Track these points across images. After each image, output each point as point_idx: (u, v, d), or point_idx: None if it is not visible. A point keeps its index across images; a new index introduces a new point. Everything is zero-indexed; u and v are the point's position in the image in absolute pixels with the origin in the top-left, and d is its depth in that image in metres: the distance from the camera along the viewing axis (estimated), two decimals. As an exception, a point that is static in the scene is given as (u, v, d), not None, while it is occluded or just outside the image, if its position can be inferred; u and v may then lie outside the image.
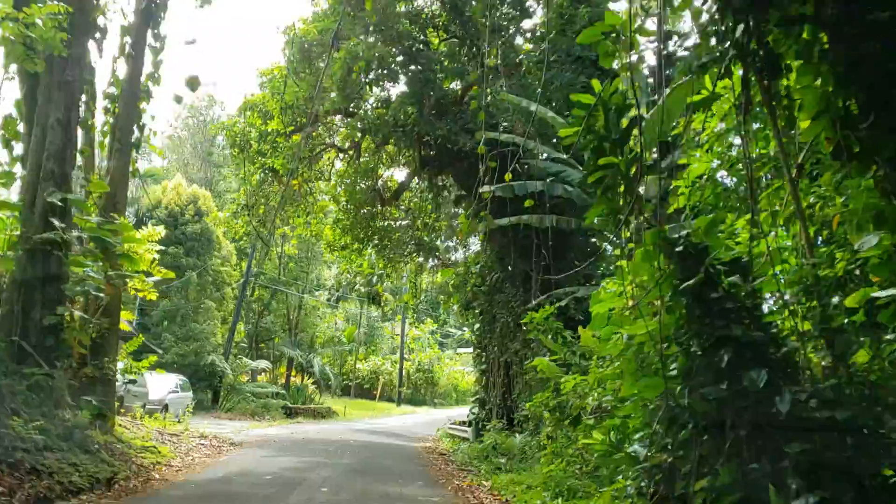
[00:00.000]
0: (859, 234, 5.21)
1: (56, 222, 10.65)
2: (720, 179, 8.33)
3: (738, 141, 8.13)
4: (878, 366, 5.12)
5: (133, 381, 18.37)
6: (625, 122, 6.63)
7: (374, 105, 21.50)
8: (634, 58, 7.49)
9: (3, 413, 8.95)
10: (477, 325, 22.81)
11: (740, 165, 8.09)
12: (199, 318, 34.45)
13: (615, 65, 6.84)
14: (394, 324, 58.57)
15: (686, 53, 15.93)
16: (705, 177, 8.04)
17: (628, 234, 7.66)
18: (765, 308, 5.98)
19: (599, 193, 6.17)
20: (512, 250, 19.26)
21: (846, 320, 5.27)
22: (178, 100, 25.19)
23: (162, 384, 23.64)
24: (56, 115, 11.00)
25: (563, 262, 17.92)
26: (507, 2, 20.63)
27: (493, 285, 20.34)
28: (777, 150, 6.59)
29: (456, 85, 21.37)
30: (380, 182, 25.09)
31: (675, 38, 16.90)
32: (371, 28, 17.82)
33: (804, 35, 5.13)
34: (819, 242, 6.66)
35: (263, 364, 39.06)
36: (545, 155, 17.18)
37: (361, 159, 23.93)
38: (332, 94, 17.35)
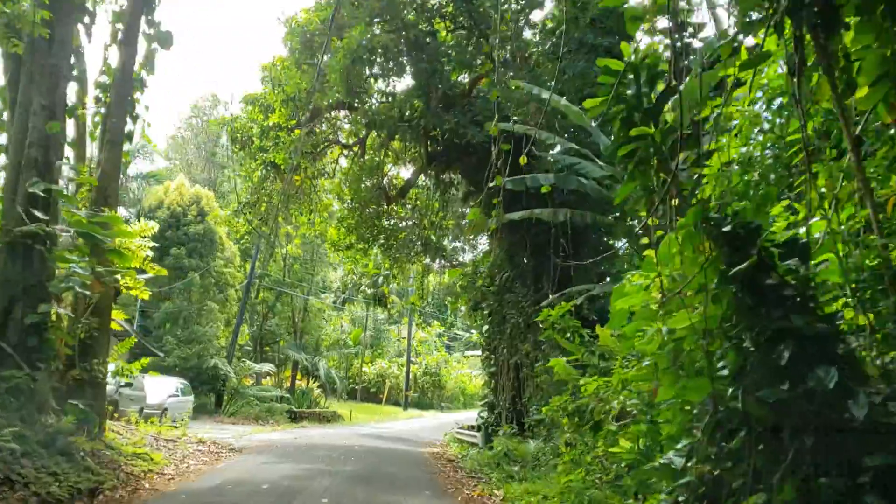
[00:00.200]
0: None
1: (39, 214, 9.97)
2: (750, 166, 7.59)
3: (763, 124, 7.42)
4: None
5: (128, 385, 17.71)
6: (656, 90, 5.92)
7: (379, 99, 20.82)
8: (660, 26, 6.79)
9: (-26, 418, 8.28)
10: (486, 327, 22.09)
11: (767, 150, 7.37)
12: (201, 321, 33.78)
13: (640, 32, 6.11)
14: (400, 327, 57.92)
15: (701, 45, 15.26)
16: (734, 164, 7.31)
17: (655, 220, 6.95)
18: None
19: (630, 168, 5.44)
20: (523, 248, 18.55)
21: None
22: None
23: (161, 388, 22.95)
24: (40, 101, 10.34)
25: (577, 260, 17.21)
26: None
27: (502, 285, 19.61)
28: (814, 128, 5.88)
29: (464, 78, 20.67)
30: (385, 180, 24.39)
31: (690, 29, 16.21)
32: (375, 17, 17.12)
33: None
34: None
35: (267, 367, 38.36)
36: (558, 147, 16.48)
37: (366, 156, 23.25)
38: (335, 87, 16.62)
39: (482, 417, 21.90)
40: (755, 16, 5.18)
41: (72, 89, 13.05)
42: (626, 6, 5.89)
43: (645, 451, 6.75)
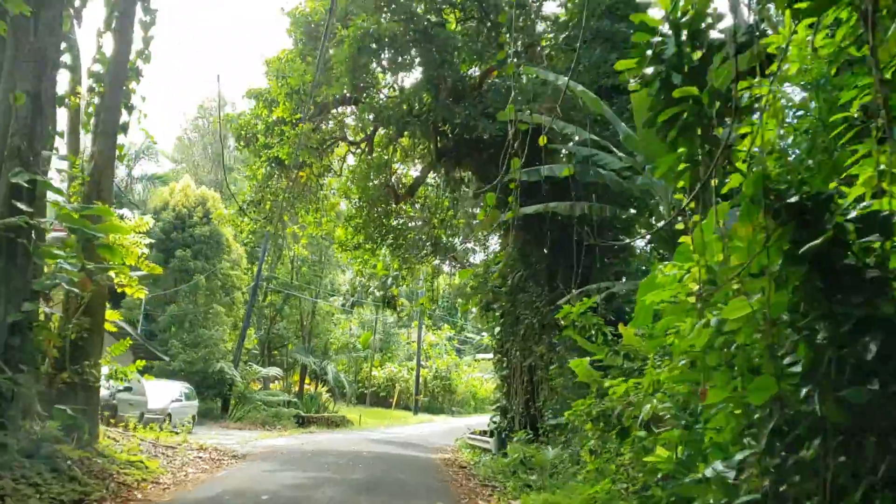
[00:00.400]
0: None
1: (22, 206, 9.31)
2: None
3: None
4: None
5: (127, 389, 17.07)
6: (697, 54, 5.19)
7: (386, 94, 20.16)
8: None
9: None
10: (497, 329, 21.37)
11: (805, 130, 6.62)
12: (207, 324, 33.15)
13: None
14: (410, 330, 57.22)
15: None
16: (770, 148, 6.57)
17: (687, 203, 6.23)
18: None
19: (672, 136, 4.71)
20: (537, 246, 17.84)
21: None
22: None
23: (164, 392, 22.32)
24: (24, 86, 9.67)
25: (593, 259, 16.50)
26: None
27: (515, 284, 18.88)
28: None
29: (474, 71, 19.99)
30: (393, 178, 23.71)
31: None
32: (382, 5, 16.43)
33: None
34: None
35: (274, 371, 37.69)
36: (575, 139, 15.77)
37: (374, 153, 22.58)
38: (341, 78, 15.93)
39: (494, 422, 21.17)
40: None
41: (64, 78, 12.47)
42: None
43: (684, 461, 6.00)
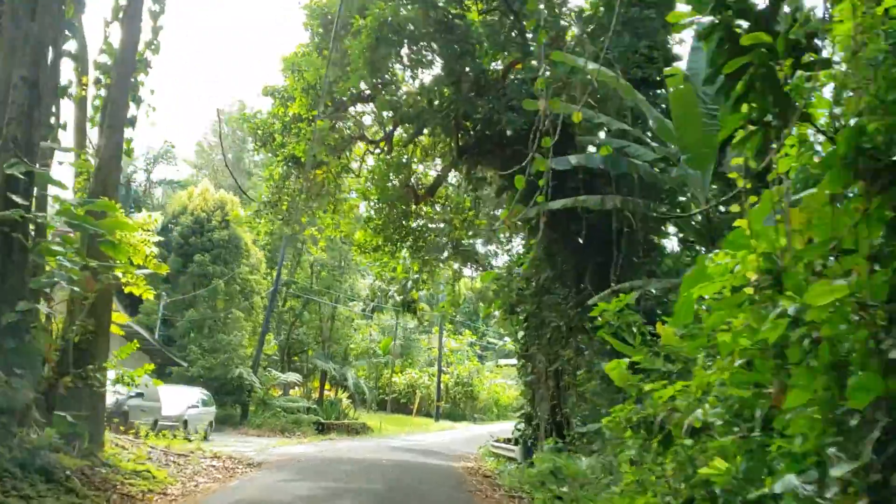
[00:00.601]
0: None
1: (18, 199, 8.74)
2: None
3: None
4: None
5: (139, 395, 16.51)
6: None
7: (405, 90, 19.51)
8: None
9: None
10: (521, 333, 20.64)
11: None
12: (226, 329, 32.71)
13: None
14: (430, 336, 56.53)
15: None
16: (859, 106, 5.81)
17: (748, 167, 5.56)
18: None
19: (740, 91, 3.98)
20: (563, 245, 17.08)
21: None
22: None
23: (180, 398, 21.79)
24: (20, 72, 9.12)
25: (623, 258, 15.72)
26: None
27: (540, 286, 18.12)
28: None
29: (497, 65, 19.28)
30: (413, 178, 23.03)
31: None
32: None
33: None
34: None
35: (293, 377, 37.19)
36: (603, 134, 15.07)
37: (393, 153, 21.93)
38: (359, 70, 15.28)
39: (519, 430, 20.43)
40: None
41: (69, 69, 11.96)
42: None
43: (745, 474, 5.24)
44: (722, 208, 14.35)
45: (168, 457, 13.60)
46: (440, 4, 16.98)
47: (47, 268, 10.02)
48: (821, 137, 4.57)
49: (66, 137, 12.24)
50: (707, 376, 6.36)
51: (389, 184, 22.03)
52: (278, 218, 21.23)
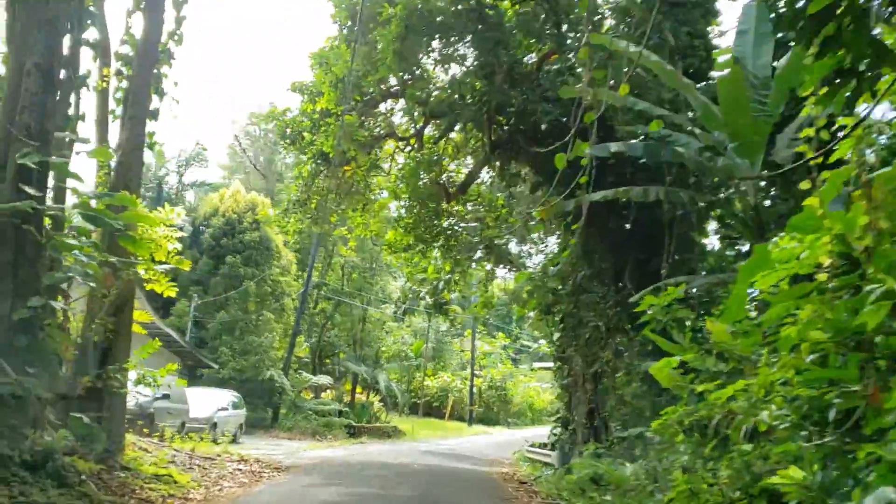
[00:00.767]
0: None
1: (31, 190, 8.35)
2: None
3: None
4: None
5: (165, 396, 16.16)
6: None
7: (436, 85, 18.98)
8: None
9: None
10: (557, 335, 19.97)
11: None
12: (257, 331, 32.48)
13: None
14: (463, 339, 55.90)
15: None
16: None
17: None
18: None
19: (829, 32, 3.36)
20: (602, 241, 16.41)
21: None
22: None
23: (209, 401, 21.48)
24: (34, 59, 8.75)
25: (664, 255, 15.01)
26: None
27: (577, 285, 17.43)
28: None
29: (531, 58, 18.66)
30: (444, 175, 22.49)
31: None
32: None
33: None
34: None
35: (324, 379, 36.82)
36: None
37: (424, 150, 21.41)
38: (388, 60, 14.76)
39: (555, 434, 19.74)
40: None
41: (88, 58, 11.61)
42: None
43: (823, 484, 4.58)
44: (767, 202, 13.67)
45: (193, 460, 13.20)
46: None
47: (66, 263, 9.66)
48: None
49: (88, 131, 11.94)
50: (772, 374, 5.71)
51: (420, 182, 21.52)
52: (307, 217, 20.82)
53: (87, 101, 11.75)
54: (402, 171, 22.20)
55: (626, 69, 10.50)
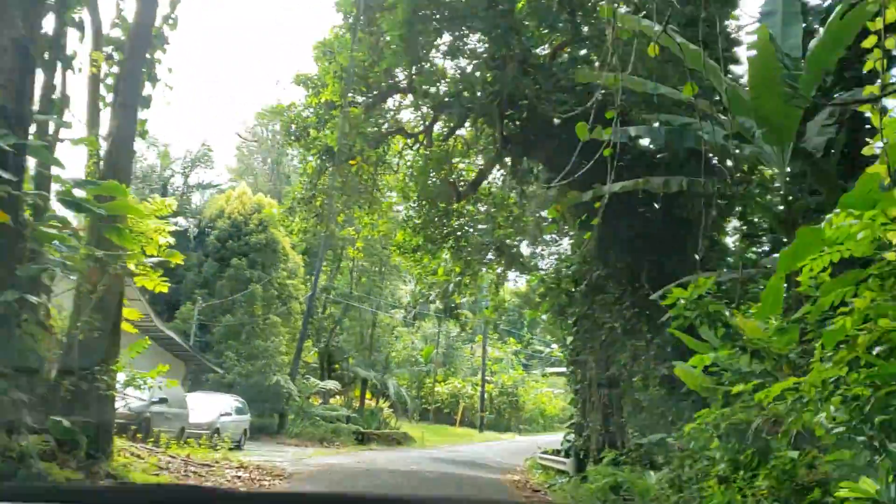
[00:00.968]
0: None
1: (5, 175, 7.71)
2: None
3: None
4: None
5: (163, 400, 15.53)
6: None
7: (445, 79, 18.34)
8: None
9: None
10: (571, 338, 19.28)
11: None
12: (264, 335, 31.82)
13: None
14: (474, 345, 55.18)
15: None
16: None
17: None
18: None
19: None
20: (618, 238, 15.68)
21: None
22: None
23: (211, 405, 20.82)
24: (10, 33, 8.13)
25: (681, 253, 14.32)
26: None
27: (592, 284, 16.71)
28: None
29: (543, 50, 18.00)
30: (454, 174, 21.82)
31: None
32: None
33: None
34: None
35: (332, 385, 36.11)
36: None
37: (433, 147, 20.76)
38: (395, 48, 14.13)
39: (569, 441, 19.02)
40: None
41: (79, 42, 10.98)
42: None
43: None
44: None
45: (188, 467, 12.54)
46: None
47: (51, 256, 9.05)
48: None
49: (80, 119, 11.34)
50: (826, 371, 4.97)
51: (429, 180, 20.90)
52: (312, 215, 20.19)
53: (80, 88, 11.10)
54: (410, 169, 21.59)
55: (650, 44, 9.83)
